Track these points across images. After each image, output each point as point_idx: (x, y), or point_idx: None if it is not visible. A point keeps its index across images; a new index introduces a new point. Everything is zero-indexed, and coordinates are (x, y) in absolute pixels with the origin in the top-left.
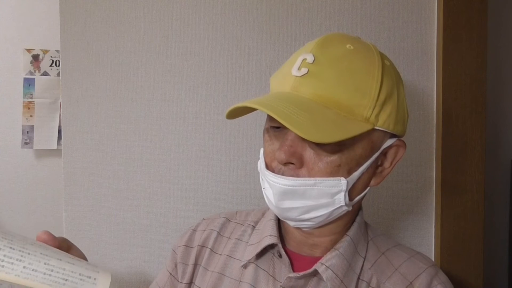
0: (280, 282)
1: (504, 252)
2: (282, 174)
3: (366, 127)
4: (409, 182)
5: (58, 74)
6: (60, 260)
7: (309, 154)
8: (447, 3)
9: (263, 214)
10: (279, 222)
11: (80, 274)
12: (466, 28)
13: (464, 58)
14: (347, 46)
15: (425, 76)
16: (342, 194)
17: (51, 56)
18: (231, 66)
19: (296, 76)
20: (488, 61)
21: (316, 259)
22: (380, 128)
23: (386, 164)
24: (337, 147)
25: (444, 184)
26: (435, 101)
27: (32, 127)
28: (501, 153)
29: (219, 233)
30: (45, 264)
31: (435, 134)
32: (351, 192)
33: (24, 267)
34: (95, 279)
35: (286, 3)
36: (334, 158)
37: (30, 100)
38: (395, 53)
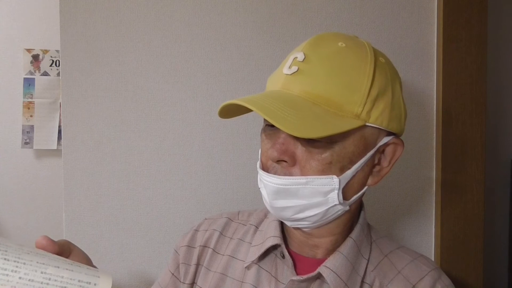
0: (283, 284)
1: (504, 252)
2: (275, 173)
3: (356, 123)
4: (409, 182)
5: (58, 74)
6: (58, 267)
7: (301, 151)
8: (447, 3)
9: (265, 215)
10: (282, 223)
11: (79, 281)
12: (466, 28)
13: (464, 58)
14: (339, 44)
15: (425, 76)
16: (335, 192)
17: (51, 56)
18: (231, 66)
19: (287, 74)
20: (488, 61)
21: (318, 261)
22: (372, 125)
23: (384, 163)
24: (329, 144)
25: (444, 184)
26: (435, 101)
27: (32, 127)
28: (501, 153)
29: (221, 233)
30: (41, 273)
31: (435, 134)
32: (346, 191)
33: (20, 277)
34: (95, 284)
35: (286, 3)
36: (325, 155)
37: (30, 100)
38: (395, 53)
